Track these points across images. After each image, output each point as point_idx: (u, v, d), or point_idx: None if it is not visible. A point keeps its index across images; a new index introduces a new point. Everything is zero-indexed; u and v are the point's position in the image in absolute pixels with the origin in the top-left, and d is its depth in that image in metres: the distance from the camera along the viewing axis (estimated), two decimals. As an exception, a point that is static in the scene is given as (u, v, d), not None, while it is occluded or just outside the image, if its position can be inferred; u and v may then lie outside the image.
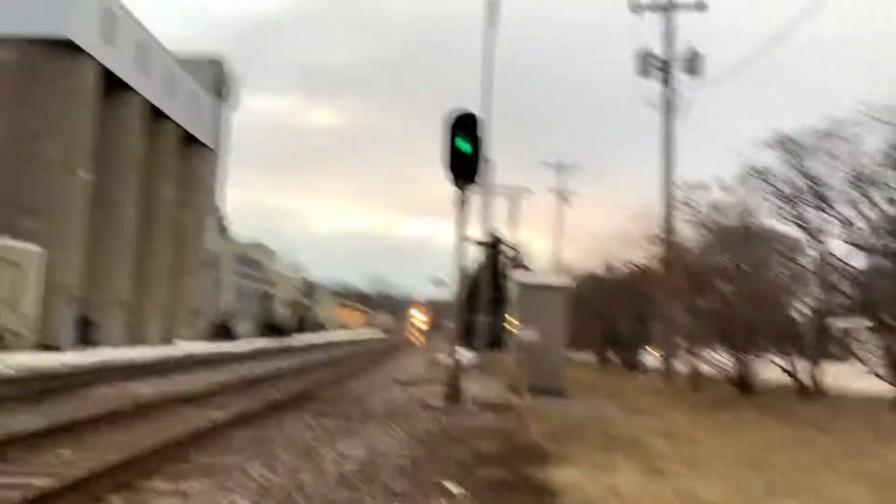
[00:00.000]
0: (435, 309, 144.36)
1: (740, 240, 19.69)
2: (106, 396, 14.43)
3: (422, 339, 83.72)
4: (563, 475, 7.89)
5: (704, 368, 22.59)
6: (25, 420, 10.89)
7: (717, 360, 20.96)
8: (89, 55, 32.61)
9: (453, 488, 7.07)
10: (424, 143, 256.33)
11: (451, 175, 14.04)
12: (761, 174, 17.57)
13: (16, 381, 16.45)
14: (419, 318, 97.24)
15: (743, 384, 19.32)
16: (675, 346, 24.89)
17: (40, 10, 30.99)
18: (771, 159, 17.39)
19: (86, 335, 33.50)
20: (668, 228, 23.52)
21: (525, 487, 7.48)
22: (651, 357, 33.58)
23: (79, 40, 31.65)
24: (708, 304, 19.94)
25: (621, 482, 7.71)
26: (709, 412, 16.98)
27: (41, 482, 6.72)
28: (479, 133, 14.32)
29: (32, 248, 28.42)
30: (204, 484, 7.11)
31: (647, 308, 28.55)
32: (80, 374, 19.13)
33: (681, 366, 26.24)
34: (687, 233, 22.82)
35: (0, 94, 31.05)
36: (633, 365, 31.60)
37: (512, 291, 21.16)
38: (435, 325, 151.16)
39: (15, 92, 31.09)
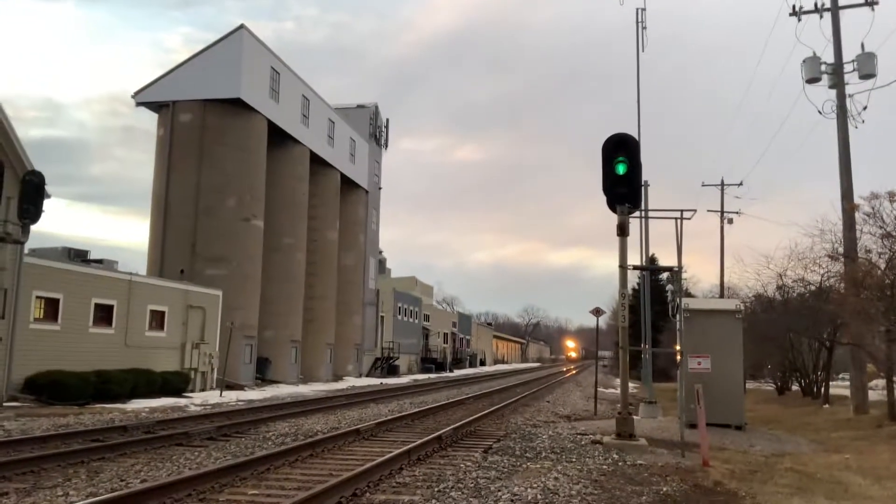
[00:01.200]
0: (590, 339, 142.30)
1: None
2: (283, 432, 15.09)
3: (573, 360, 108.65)
4: (759, 521, 7.19)
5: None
6: (214, 456, 11.57)
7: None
8: (258, 112, 35.18)
9: (639, 535, 6.61)
10: (571, 172, 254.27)
11: (610, 200, 13.62)
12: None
13: (204, 418, 17.63)
14: (570, 347, 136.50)
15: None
16: (866, 372, 22.55)
17: (214, 73, 33.85)
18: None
19: (263, 373, 35.61)
20: (852, 243, 21.46)
21: (719, 535, 6.88)
22: (836, 384, 30.71)
23: (249, 99, 34.25)
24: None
25: (830, 531, 6.91)
26: (915, 446, 15.15)
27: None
28: (637, 156, 13.82)
29: (214, 291, 30.69)
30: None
31: (831, 331, 26.17)
32: (260, 410, 20.23)
33: (873, 393, 23.74)
34: (872, 247, 20.77)
35: (182, 153, 34.13)
36: (816, 393, 29.02)
37: (679, 318, 20.09)
38: (590, 355, 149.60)
39: (195, 150, 34.03)
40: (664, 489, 9.26)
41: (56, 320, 22.61)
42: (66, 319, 22.90)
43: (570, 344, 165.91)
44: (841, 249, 22.29)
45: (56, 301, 22.63)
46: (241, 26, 34.53)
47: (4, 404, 19.29)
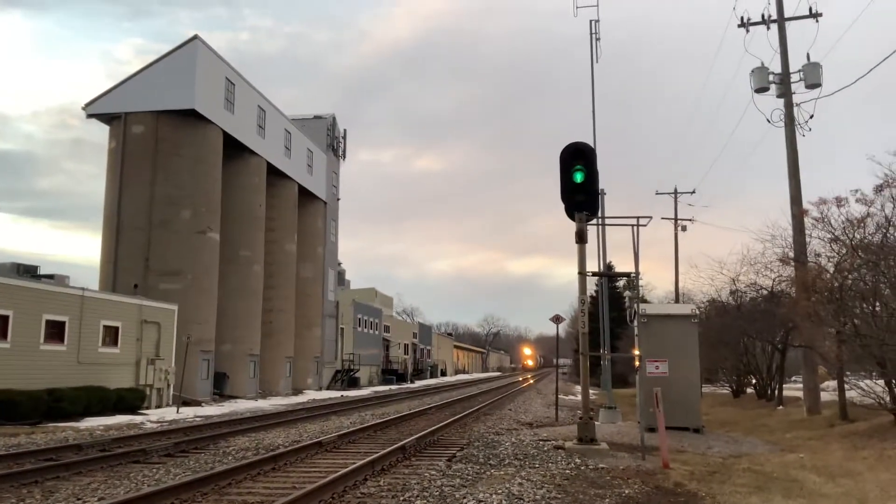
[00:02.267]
0: (548, 346, 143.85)
1: (883, 255, 18.20)
2: (244, 447, 14.88)
3: (530, 368, 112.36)
4: (720, 519, 7.33)
5: (852, 396, 20.86)
6: (173, 473, 11.35)
7: (869, 387, 19.31)
8: (213, 123, 34.76)
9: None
10: (530, 180, 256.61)
11: (568, 208, 13.79)
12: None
13: (161, 434, 17.27)
14: (527, 354, 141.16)
15: (902, 412, 17.62)
16: (818, 374, 23.15)
17: (168, 85, 33.37)
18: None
19: (221, 388, 35.03)
20: (802, 248, 22.06)
21: (681, 534, 6.99)
22: (789, 386, 31.44)
23: (203, 110, 33.82)
24: (855, 327, 18.41)
25: (787, 526, 7.07)
26: (864, 443, 15.60)
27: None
28: (594, 164, 14.04)
29: (169, 306, 30.13)
30: (348, 534, 7.08)
31: (784, 334, 26.83)
32: (219, 425, 19.89)
33: (825, 394, 24.37)
34: (822, 251, 21.37)
35: (135, 165, 33.51)
36: (770, 395, 29.68)
37: (636, 323, 20.39)
38: (548, 363, 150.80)
39: (148, 162, 33.44)
40: (626, 491, 9.38)
41: (6, 337, 21.94)
42: (16, 336, 22.24)
43: (526, 351, 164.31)
44: (791, 254, 22.88)
45: (5, 318, 21.96)
46: (195, 37, 34.13)
47: (-50, 426, 18.62)
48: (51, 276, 26.81)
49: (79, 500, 9.06)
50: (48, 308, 23.62)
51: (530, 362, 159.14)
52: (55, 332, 23.89)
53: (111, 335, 26.55)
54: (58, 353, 23.90)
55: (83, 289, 25.93)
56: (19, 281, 23.44)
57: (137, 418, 23.05)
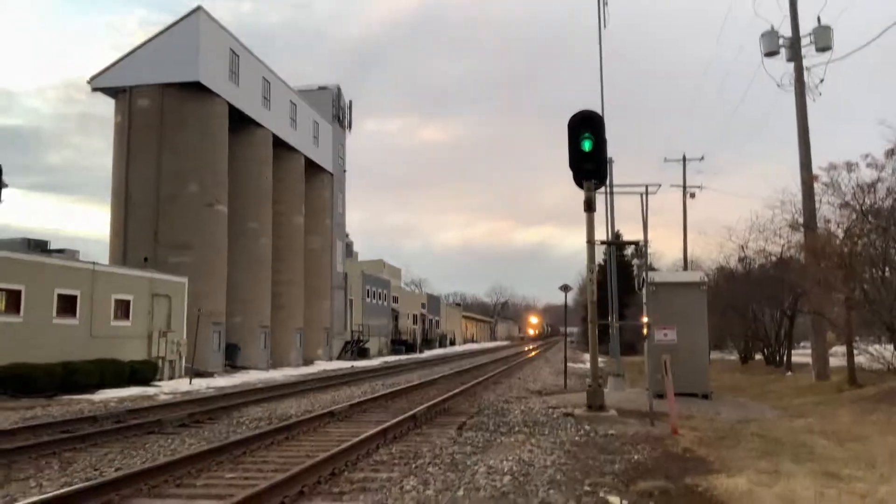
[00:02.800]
0: (555, 315, 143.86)
1: (893, 220, 18.12)
2: (257, 417, 15.07)
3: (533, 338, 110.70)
4: (729, 484, 7.41)
5: (861, 361, 20.91)
6: (188, 443, 11.52)
7: (878, 352, 19.38)
8: (218, 95, 34.62)
9: (616, 502, 6.77)
10: (536, 150, 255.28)
11: (576, 176, 13.75)
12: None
13: (175, 406, 17.49)
14: (532, 324, 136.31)
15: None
16: (827, 340, 23.20)
17: (172, 57, 33.18)
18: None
19: (233, 360, 35.36)
20: (811, 213, 21.95)
21: (691, 499, 7.07)
22: (798, 352, 31.54)
23: (208, 82, 33.67)
24: (864, 292, 18.41)
25: (797, 490, 7.14)
26: (873, 408, 15.67)
27: None
28: (602, 132, 13.96)
29: (179, 279, 30.32)
30: (364, 501, 7.20)
31: (793, 300, 26.83)
32: (231, 396, 20.12)
33: (833, 360, 24.44)
34: (831, 217, 21.28)
35: (141, 139, 33.49)
36: (778, 361, 29.78)
37: (643, 292, 20.42)
38: (554, 332, 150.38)
39: (154, 135, 33.41)
40: (635, 457, 9.48)
41: (18, 312, 22.16)
42: (29, 311, 22.45)
43: (532, 320, 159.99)
44: (801, 220, 22.80)
45: (18, 293, 22.15)
46: (199, 8, 33.83)
47: (-32, 399, 18.90)
48: (61, 251, 26.98)
49: (96, 470, 9.22)
50: (60, 282, 23.80)
51: (533, 331, 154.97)
52: (67, 306, 24.10)
53: (123, 308, 26.77)
54: (71, 326, 24.14)
55: (94, 263, 26.09)
56: (30, 256, 23.60)
57: (151, 390, 23.33)
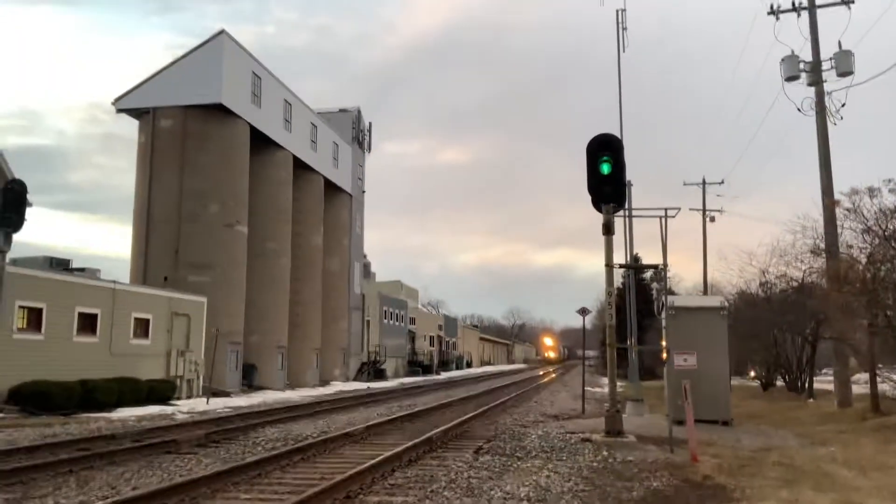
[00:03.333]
0: (574, 338, 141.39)
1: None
2: (273, 438, 15.06)
3: (552, 361, 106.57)
4: (750, 513, 7.28)
5: (885, 389, 20.54)
6: (205, 463, 11.53)
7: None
8: (240, 117, 35.05)
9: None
10: (556, 172, 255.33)
11: (595, 200, 13.73)
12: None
13: (192, 425, 17.54)
14: (547, 346, 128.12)
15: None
16: (850, 367, 22.83)
17: (195, 79, 33.69)
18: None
19: (250, 379, 35.43)
20: (833, 239, 21.71)
21: (711, 527, 6.95)
22: (820, 379, 31.05)
23: (230, 104, 34.12)
24: (888, 318, 18.13)
25: (819, 521, 6.99)
26: (898, 437, 15.37)
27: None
28: (621, 155, 13.96)
29: (199, 298, 30.52)
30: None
31: (815, 326, 26.47)
32: (248, 416, 20.14)
33: (856, 387, 24.03)
34: (853, 242, 21.02)
35: (164, 159, 33.92)
36: (800, 388, 29.34)
37: (664, 316, 20.25)
38: (573, 355, 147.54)
39: (177, 156, 33.83)
40: (654, 484, 9.35)
41: (40, 330, 22.38)
42: (50, 329, 22.67)
43: (547, 342, 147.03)
44: (822, 245, 22.55)
45: (39, 310, 22.39)
46: (222, 31, 34.40)
47: (-12, 416, 19.06)
48: (82, 270, 27.27)
49: (113, 489, 9.24)
50: (81, 301, 24.04)
51: (551, 354, 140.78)
52: (88, 324, 24.32)
53: (142, 327, 26.97)
54: (90, 344, 24.33)
55: (114, 281, 26.35)
56: (52, 274, 23.88)
57: (168, 409, 23.40)
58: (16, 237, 19.91)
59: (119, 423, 18.31)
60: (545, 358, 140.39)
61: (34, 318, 22.27)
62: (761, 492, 8.79)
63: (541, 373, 75.06)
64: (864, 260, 20.14)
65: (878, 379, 19.90)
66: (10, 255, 20.97)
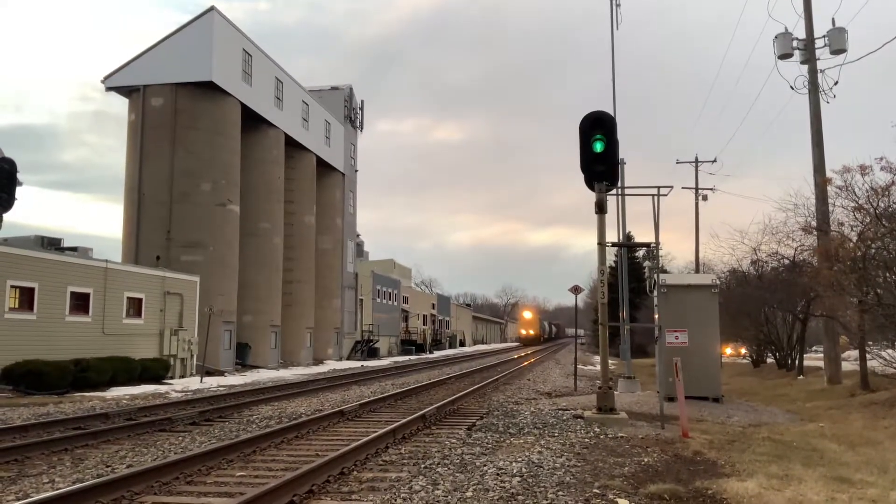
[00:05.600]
0: (567, 317, 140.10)
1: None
2: (267, 416, 15.12)
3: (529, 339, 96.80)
4: (739, 488, 7.38)
5: (874, 365, 20.75)
6: (199, 441, 11.58)
7: (891, 357, 19.22)
8: (231, 95, 34.78)
9: (625, 504, 6.76)
10: (550, 151, 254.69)
11: (588, 178, 13.70)
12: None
13: (186, 403, 17.59)
14: (526, 320, 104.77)
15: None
16: (839, 344, 23.03)
17: (185, 56, 33.36)
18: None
19: (243, 358, 35.51)
20: (825, 217, 21.80)
21: (701, 502, 7.04)
22: (810, 356, 31.33)
23: (221, 82, 33.82)
24: (878, 296, 18.26)
25: (807, 495, 7.10)
26: (885, 413, 15.56)
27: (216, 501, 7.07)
28: (614, 133, 13.90)
29: (191, 278, 30.47)
30: (373, 501, 7.21)
31: (805, 304, 26.65)
32: (242, 395, 20.21)
33: (846, 364, 24.26)
34: (845, 220, 21.11)
35: (155, 138, 33.67)
36: (790, 365, 29.60)
37: (654, 294, 20.35)
38: (562, 334, 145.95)
39: (168, 134, 33.58)
40: (645, 460, 9.45)
41: (32, 309, 22.34)
42: (42, 308, 22.63)
43: (526, 315, 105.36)
44: (814, 223, 22.65)
45: (31, 290, 22.34)
46: (212, 8, 33.99)
47: (-19, 395, 19.06)
48: (74, 249, 27.17)
49: (108, 467, 9.28)
50: (73, 280, 23.97)
51: (529, 331, 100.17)
52: (80, 303, 24.28)
53: (135, 306, 26.94)
54: (83, 324, 24.31)
55: (106, 261, 26.26)
56: (44, 253, 23.78)
57: (162, 388, 23.46)
58: (7, 217, 19.71)
59: (113, 402, 18.34)
60: (521, 336, 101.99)
61: (26, 298, 22.22)
62: (751, 466, 8.89)
63: (533, 351, 73.03)
64: (855, 238, 20.24)
65: (868, 356, 20.09)
66: (1, 235, 20.86)
